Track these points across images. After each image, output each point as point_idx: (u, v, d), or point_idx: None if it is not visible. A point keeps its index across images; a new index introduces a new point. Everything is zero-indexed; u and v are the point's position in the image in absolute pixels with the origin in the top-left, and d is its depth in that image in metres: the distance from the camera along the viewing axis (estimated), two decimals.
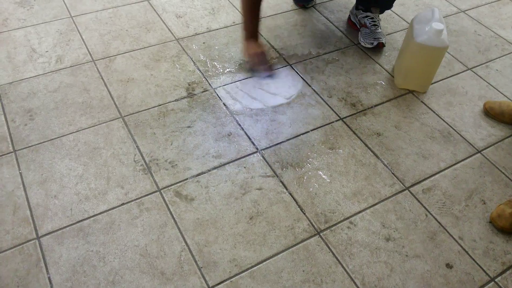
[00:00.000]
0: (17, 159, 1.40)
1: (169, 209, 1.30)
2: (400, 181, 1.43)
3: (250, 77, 1.73)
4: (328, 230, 1.29)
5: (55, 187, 1.33)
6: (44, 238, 1.22)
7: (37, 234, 1.23)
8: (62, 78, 1.67)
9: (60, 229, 1.24)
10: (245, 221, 1.29)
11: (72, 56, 1.76)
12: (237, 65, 1.78)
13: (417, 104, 1.70)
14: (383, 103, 1.69)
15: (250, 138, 1.51)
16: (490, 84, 1.81)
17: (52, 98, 1.59)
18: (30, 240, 1.22)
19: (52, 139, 1.46)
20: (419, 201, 1.38)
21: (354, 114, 1.63)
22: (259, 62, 1.71)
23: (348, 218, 1.32)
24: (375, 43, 1.87)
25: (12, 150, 1.42)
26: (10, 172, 1.37)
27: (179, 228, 1.26)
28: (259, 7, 1.64)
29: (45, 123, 1.51)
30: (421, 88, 1.75)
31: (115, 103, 1.59)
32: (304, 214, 1.32)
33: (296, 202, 1.34)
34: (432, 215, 1.34)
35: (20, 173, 1.37)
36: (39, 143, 1.45)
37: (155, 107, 1.59)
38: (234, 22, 2.00)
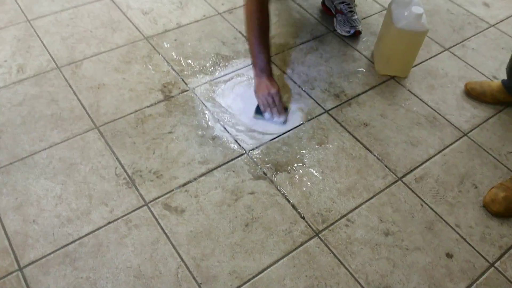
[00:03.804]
0: None
1: (159, 223, 1.23)
2: (392, 172, 1.40)
3: (258, 119, 1.50)
4: (327, 230, 1.25)
5: (33, 211, 1.24)
6: (27, 269, 1.13)
7: (19, 265, 1.14)
8: (26, 89, 1.55)
9: (44, 257, 1.16)
10: (241, 229, 1.24)
11: (34, 64, 1.64)
12: (213, 61, 1.70)
13: (400, 90, 1.68)
14: (366, 91, 1.66)
15: (235, 140, 1.44)
16: (468, 64, 1.81)
17: (18, 113, 1.47)
18: (12, 273, 1.13)
19: (23, 158, 1.35)
20: (413, 191, 1.36)
21: (339, 105, 1.59)
22: (271, 103, 1.47)
23: (345, 215, 1.29)
24: (352, 31, 1.83)
25: None
26: None
27: (172, 244, 1.20)
28: (268, 36, 1.48)
29: (14, 141, 1.39)
30: (402, 73, 1.72)
31: (87, 113, 1.49)
32: (300, 215, 1.28)
33: (291, 204, 1.30)
34: (427, 204, 1.33)
35: None
36: (9, 164, 1.34)
37: (131, 113, 1.50)
38: (204, 16, 1.91)
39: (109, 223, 1.23)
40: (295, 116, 1.54)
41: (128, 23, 1.84)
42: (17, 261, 1.15)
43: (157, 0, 1.97)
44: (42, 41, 1.73)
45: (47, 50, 1.70)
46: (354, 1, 1.90)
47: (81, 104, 1.52)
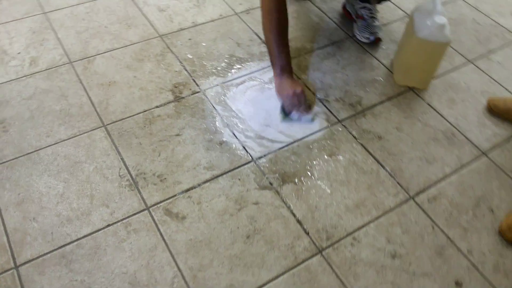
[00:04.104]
0: None
1: (159, 229, 1.20)
2: (405, 190, 1.35)
3: (287, 122, 1.47)
4: (331, 248, 1.20)
5: (33, 208, 1.22)
6: (23, 267, 1.12)
7: (15, 263, 1.13)
8: (37, 83, 1.54)
9: (40, 256, 1.14)
10: (242, 240, 1.20)
11: (47, 58, 1.62)
12: (226, 63, 1.66)
13: (418, 102, 1.61)
14: (383, 102, 1.59)
15: (244, 147, 1.40)
16: (493, 78, 1.73)
17: (27, 106, 1.46)
18: (8, 270, 1.11)
19: (29, 153, 1.34)
20: (424, 211, 1.30)
21: (353, 115, 1.54)
22: (298, 103, 1.44)
23: (351, 233, 1.24)
24: (372, 38, 1.76)
25: None
26: None
27: (170, 251, 1.17)
28: (287, 35, 1.44)
29: (21, 135, 1.38)
30: (422, 85, 1.65)
31: (96, 110, 1.47)
32: (305, 230, 1.23)
33: (296, 217, 1.26)
34: (439, 227, 1.27)
35: None
36: (14, 158, 1.33)
37: (140, 113, 1.47)
38: (221, 15, 1.87)
39: (109, 225, 1.20)
40: (325, 114, 1.51)
41: (144, 20, 1.82)
42: (13, 258, 1.13)
43: None
44: (56, 35, 1.72)
45: (61, 44, 1.68)
46: (376, 7, 1.83)
47: (91, 101, 1.50)
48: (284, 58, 1.45)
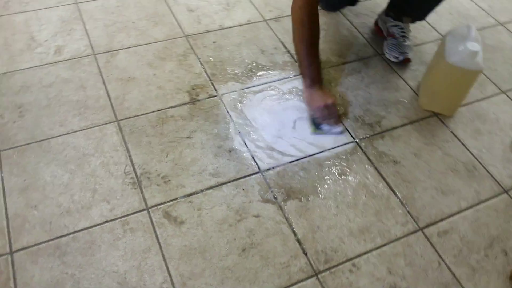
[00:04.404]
0: (0, 161, 1.30)
1: (155, 231, 1.19)
2: (414, 220, 1.28)
3: (318, 134, 1.45)
4: (328, 272, 1.16)
5: (36, 196, 1.23)
6: (17, 254, 1.13)
7: (11, 248, 1.14)
8: (59, 71, 1.56)
9: (36, 244, 1.14)
10: (237, 253, 1.17)
11: (72, 48, 1.65)
12: (247, 69, 1.64)
13: (441, 129, 1.54)
14: (404, 125, 1.53)
15: (253, 156, 1.38)
16: None
17: (46, 94, 1.48)
18: (3, 255, 1.12)
19: (40, 141, 1.36)
20: (433, 245, 1.24)
21: (371, 136, 1.48)
22: (329, 115, 1.43)
23: (351, 259, 1.19)
24: (401, 58, 1.70)
25: None
26: None
27: (163, 255, 1.15)
28: (318, 46, 1.43)
29: (35, 122, 1.40)
30: (448, 112, 1.58)
31: (111, 105, 1.47)
32: (303, 250, 1.19)
33: (296, 236, 1.22)
34: (446, 264, 1.20)
35: (2, 177, 1.27)
36: (26, 144, 1.34)
37: (154, 112, 1.47)
38: (249, 20, 1.85)
39: (106, 221, 1.20)
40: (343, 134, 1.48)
41: (172, 19, 1.82)
42: (10, 244, 1.14)
43: None
44: (84, 26, 1.74)
45: (88, 35, 1.70)
46: (409, 26, 1.77)
47: (108, 94, 1.50)
48: (314, 70, 1.44)
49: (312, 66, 1.43)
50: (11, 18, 1.74)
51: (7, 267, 1.10)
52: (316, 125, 1.46)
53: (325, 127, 1.45)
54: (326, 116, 1.43)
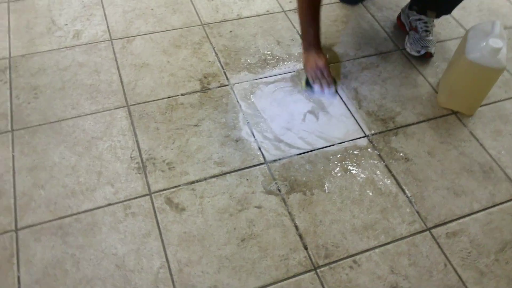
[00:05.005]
0: (12, 140, 1.33)
1: (156, 217, 1.19)
2: (422, 220, 1.24)
3: (308, 91, 1.52)
4: (327, 267, 1.13)
5: (44, 176, 1.26)
6: (22, 232, 1.15)
7: (16, 226, 1.16)
8: (75, 55, 1.58)
9: (40, 223, 1.17)
10: (236, 242, 1.16)
11: (90, 33, 1.67)
12: (261, 60, 1.62)
13: (459, 128, 1.48)
14: (419, 122, 1.48)
15: (259, 147, 1.36)
16: None
17: (61, 77, 1.51)
18: (8, 232, 1.15)
19: (52, 122, 1.38)
20: (440, 246, 1.19)
21: (383, 132, 1.44)
22: (320, 77, 1.49)
23: (352, 255, 1.16)
24: (422, 51, 1.64)
25: (10, 130, 1.36)
26: (3, 153, 1.30)
27: (162, 241, 1.15)
28: (318, 11, 1.46)
29: (48, 104, 1.43)
30: (467, 110, 1.52)
31: (123, 90, 1.49)
32: (303, 244, 1.17)
33: (297, 229, 1.20)
34: (453, 266, 1.16)
35: (13, 156, 1.30)
36: (38, 125, 1.37)
37: (164, 98, 1.47)
38: (268, 11, 1.82)
39: (109, 204, 1.21)
40: (352, 126, 1.45)
41: (190, 7, 1.82)
42: (15, 221, 1.17)
43: None
44: (104, 11, 1.76)
45: (106, 21, 1.72)
46: (433, 21, 1.71)
47: (121, 79, 1.52)
48: (312, 33, 1.48)
49: (311, 30, 1.48)
50: (35, 2, 1.77)
51: (12, 243, 1.13)
52: (308, 84, 1.52)
53: (316, 87, 1.51)
54: (317, 77, 1.49)
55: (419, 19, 1.70)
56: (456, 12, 1.92)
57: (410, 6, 1.74)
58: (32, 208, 1.20)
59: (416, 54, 1.68)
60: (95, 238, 1.15)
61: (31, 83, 1.48)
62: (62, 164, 1.28)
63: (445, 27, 1.86)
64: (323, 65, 1.48)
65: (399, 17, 1.82)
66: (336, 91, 1.53)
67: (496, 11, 1.97)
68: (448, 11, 1.71)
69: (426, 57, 1.68)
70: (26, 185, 1.24)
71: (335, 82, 1.54)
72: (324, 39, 1.71)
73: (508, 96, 1.61)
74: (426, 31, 1.69)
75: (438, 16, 1.73)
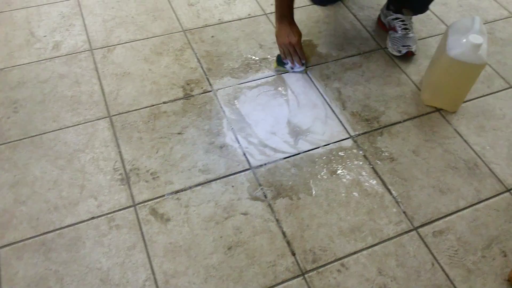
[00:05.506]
0: None
1: (141, 228, 1.18)
2: (409, 219, 1.24)
3: (279, 71, 1.58)
4: (315, 271, 1.13)
5: (25, 192, 1.24)
6: (3, 250, 1.13)
7: None
8: (55, 67, 1.56)
9: (22, 240, 1.15)
10: (222, 251, 1.15)
11: (70, 43, 1.65)
12: (244, 64, 1.61)
13: (443, 125, 1.48)
14: (403, 121, 1.48)
15: (244, 153, 1.35)
16: None
17: (41, 90, 1.49)
18: None
19: (32, 136, 1.36)
20: (427, 245, 1.19)
21: (368, 132, 1.44)
22: (292, 52, 1.54)
23: (340, 259, 1.15)
24: (404, 51, 1.64)
25: None
26: None
27: (148, 253, 1.14)
28: None
29: (29, 118, 1.41)
30: (451, 107, 1.52)
31: (105, 100, 1.47)
32: (291, 249, 1.16)
33: (284, 234, 1.19)
34: (440, 265, 1.15)
35: None
36: (18, 140, 1.35)
37: (147, 107, 1.46)
38: (249, 14, 1.82)
39: (93, 218, 1.19)
40: (337, 127, 1.44)
41: (171, 13, 1.80)
42: None
43: None
44: (84, 21, 1.74)
45: (86, 31, 1.70)
46: (410, 18, 1.71)
47: (102, 89, 1.50)
48: (286, 5, 1.50)
49: (284, 2, 1.49)
50: (13, 14, 1.75)
51: None
52: (280, 61, 1.56)
53: (287, 64, 1.56)
54: (289, 53, 1.53)
55: (396, 18, 1.70)
56: (437, 8, 1.92)
57: (387, 6, 1.74)
58: (14, 225, 1.18)
59: (397, 54, 1.68)
60: (79, 253, 1.13)
61: (11, 97, 1.46)
62: (44, 178, 1.27)
63: (426, 24, 1.86)
64: (296, 41, 1.51)
65: (379, 18, 1.82)
66: (305, 69, 1.58)
67: (477, 5, 1.98)
68: (423, 9, 1.70)
69: (408, 56, 1.68)
70: (7, 202, 1.22)
71: (306, 59, 1.59)
72: (306, 40, 1.71)
73: (490, 91, 1.61)
74: (405, 29, 1.69)
75: (414, 14, 1.73)
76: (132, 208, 1.22)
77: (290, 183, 1.29)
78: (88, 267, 1.11)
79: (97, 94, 1.49)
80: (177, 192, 1.25)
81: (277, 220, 1.21)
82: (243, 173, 1.30)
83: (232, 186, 1.27)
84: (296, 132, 1.41)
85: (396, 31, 1.68)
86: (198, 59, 1.62)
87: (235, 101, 1.49)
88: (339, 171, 1.33)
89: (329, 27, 1.80)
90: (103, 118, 1.42)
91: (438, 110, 1.53)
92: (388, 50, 1.71)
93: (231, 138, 1.39)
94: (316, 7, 1.87)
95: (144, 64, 1.59)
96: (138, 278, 1.09)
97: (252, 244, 1.16)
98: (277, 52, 1.64)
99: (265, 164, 1.33)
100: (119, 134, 1.38)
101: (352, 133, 1.43)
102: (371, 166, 1.35)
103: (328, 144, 1.39)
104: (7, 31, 1.68)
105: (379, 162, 1.36)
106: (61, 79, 1.52)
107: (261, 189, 1.27)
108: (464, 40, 1.36)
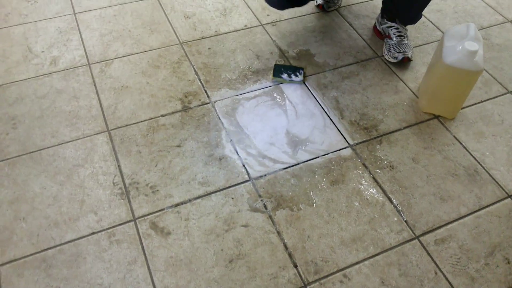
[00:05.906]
0: None
1: (141, 243, 1.17)
2: (410, 228, 1.23)
3: (276, 82, 1.59)
4: (317, 283, 1.12)
5: (25, 208, 1.23)
6: (4, 267, 1.12)
7: None
8: (53, 82, 1.56)
9: (23, 257, 1.14)
10: (224, 264, 1.14)
11: (67, 58, 1.65)
12: (242, 75, 1.62)
13: (442, 132, 1.48)
14: (402, 129, 1.48)
15: (243, 164, 1.35)
16: None
17: (39, 105, 1.49)
18: None
19: (31, 152, 1.36)
20: (429, 254, 1.18)
21: (367, 141, 1.44)
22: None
23: (342, 269, 1.14)
24: (400, 57, 1.65)
25: None
26: None
27: (149, 267, 1.13)
28: None
29: (27, 134, 1.41)
30: (449, 114, 1.52)
31: (103, 114, 1.47)
32: (292, 261, 1.15)
33: (285, 246, 1.18)
34: (443, 273, 1.15)
35: None
36: (17, 156, 1.35)
37: (145, 120, 1.46)
38: (246, 26, 1.82)
39: (93, 233, 1.19)
40: (335, 136, 1.44)
41: (168, 26, 1.81)
42: None
43: (202, 5, 1.92)
44: (81, 35, 1.75)
45: (83, 45, 1.71)
46: (405, 26, 1.71)
47: (100, 104, 1.50)
48: None
49: None
50: (10, 30, 1.76)
51: None
52: (277, 72, 1.59)
53: (284, 75, 1.58)
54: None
55: (390, 26, 1.71)
56: (432, 15, 1.94)
57: (381, 15, 1.75)
58: (14, 242, 1.17)
59: (394, 60, 1.68)
60: (79, 269, 1.12)
61: (9, 113, 1.46)
62: (43, 194, 1.26)
63: (422, 31, 1.87)
64: None
65: (375, 26, 1.83)
66: (303, 79, 1.59)
67: (472, 12, 1.99)
68: (411, 21, 1.71)
69: (405, 62, 1.69)
70: (7, 219, 1.21)
71: (302, 69, 1.62)
72: (303, 50, 1.71)
73: (488, 96, 1.62)
74: (400, 36, 1.70)
75: (405, 25, 1.73)
76: (132, 223, 1.21)
77: (290, 193, 1.29)
78: (89, 283, 1.10)
79: (95, 108, 1.49)
80: (177, 205, 1.25)
81: (278, 232, 1.21)
82: (242, 184, 1.30)
83: (232, 198, 1.27)
84: (295, 142, 1.41)
85: (391, 39, 1.69)
86: (195, 71, 1.63)
87: (234, 112, 1.49)
88: (338, 181, 1.32)
89: (325, 36, 1.81)
90: (101, 132, 1.42)
91: (436, 117, 1.53)
92: (385, 57, 1.72)
93: (230, 149, 1.39)
94: (312, 16, 1.88)
95: (141, 78, 1.60)
96: None
97: (253, 257, 1.16)
98: (274, 62, 1.64)
99: (264, 175, 1.33)
100: (118, 148, 1.37)
101: (351, 142, 1.43)
102: (371, 175, 1.35)
103: (327, 154, 1.39)
104: (5, 48, 1.69)
105: (379, 171, 1.36)
106: (59, 94, 1.53)
107: (261, 200, 1.27)
108: (460, 47, 1.36)
